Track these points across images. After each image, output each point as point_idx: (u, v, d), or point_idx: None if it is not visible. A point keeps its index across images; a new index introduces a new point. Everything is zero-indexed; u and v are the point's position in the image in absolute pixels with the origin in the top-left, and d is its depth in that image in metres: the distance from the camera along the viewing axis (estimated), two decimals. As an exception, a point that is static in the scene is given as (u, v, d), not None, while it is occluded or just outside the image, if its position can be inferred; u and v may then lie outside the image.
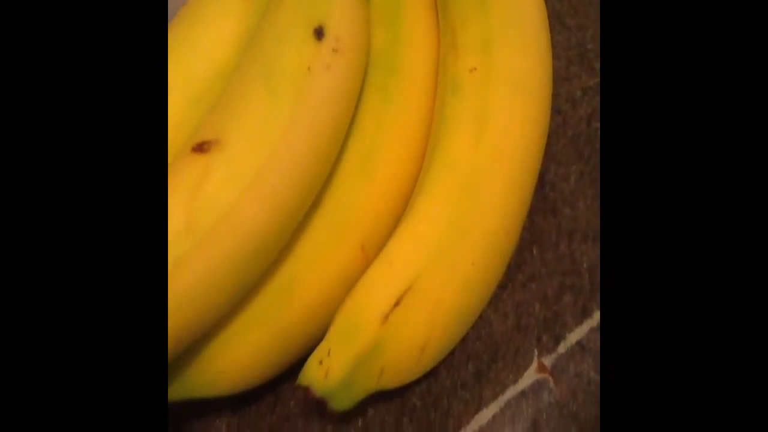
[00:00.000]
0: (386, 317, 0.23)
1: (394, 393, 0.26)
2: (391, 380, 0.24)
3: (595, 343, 0.26)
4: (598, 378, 0.26)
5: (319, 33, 0.24)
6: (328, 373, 0.23)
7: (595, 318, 0.27)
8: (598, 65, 0.33)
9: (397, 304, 0.23)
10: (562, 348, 0.26)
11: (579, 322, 0.27)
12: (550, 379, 0.26)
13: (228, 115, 0.23)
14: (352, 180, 0.26)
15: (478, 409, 0.26)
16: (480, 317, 0.27)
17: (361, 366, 0.23)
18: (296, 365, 0.27)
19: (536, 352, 0.26)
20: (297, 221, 0.24)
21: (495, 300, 0.28)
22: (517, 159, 0.26)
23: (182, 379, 0.24)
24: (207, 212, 0.21)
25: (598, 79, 0.32)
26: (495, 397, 0.26)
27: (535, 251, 0.28)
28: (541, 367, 0.26)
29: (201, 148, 0.23)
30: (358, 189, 0.26)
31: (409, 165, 0.27)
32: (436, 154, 0.26)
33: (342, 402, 0.23)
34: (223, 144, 0.23)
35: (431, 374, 0.27)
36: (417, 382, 0.26)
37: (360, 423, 0.26)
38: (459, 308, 0.25)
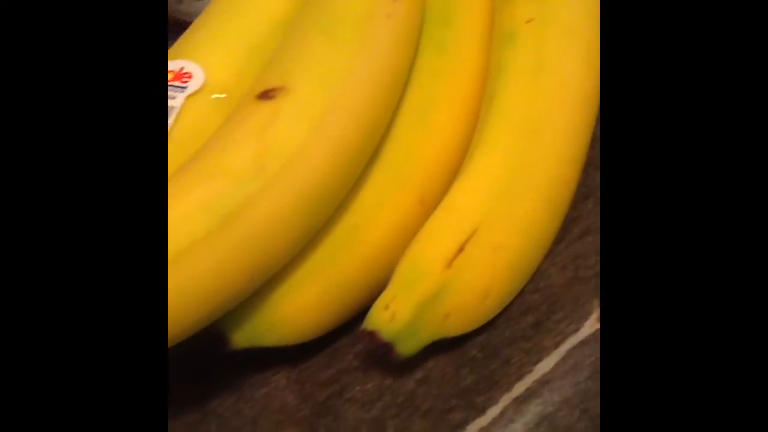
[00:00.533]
0: (450, 262, 0.23)
1: (453, 344, 0.26)
2: (455, 326, 0.24)
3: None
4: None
5: (380, -18, 0.24)
6: (394, 316, 0.23)
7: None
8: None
9: (460, 249, 0.23)
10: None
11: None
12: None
13: (292, 63, 0.23)
14: (410, 132, 0.26)
15: (539, 359, 0.26)
16: (537, 270, 0.27)
17: (426, 310, 0.23)
18: (352, 321, 0.28)
19: (596, 302, 0.26)
20: (360, 166, 0.24)
21: (552, 254, 0.28)
22: (574, 108, 0.26)
23: (247, 327, 0.24)
24: (278, 153, 0.22)
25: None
26: (556, 346, 0.26)
27: (590, 204, 0.28)
28: (602, 317, 0.26)
29: (267, 95, 0.23)
30: (416, 141, 0.26)
31: (465, 116, 0.27)
32: (493, 105, 0.26)
33: (407, 347, 0.23)
34: (289, 90, 0.23)
35: (490, 326, 0.27)
36: (476, 333, 0.26)
37: (420, 374, 0.26)
38: (520, 255, 0.25)
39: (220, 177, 0.21)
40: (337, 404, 0.26)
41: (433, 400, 0.26)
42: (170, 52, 0.27)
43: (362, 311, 0.27)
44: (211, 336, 0.24)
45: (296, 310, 0.24)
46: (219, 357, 0.28)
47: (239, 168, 0.21)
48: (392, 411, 0.26)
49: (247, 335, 0.24)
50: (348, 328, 0.28)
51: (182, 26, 0.37)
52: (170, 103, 0.25)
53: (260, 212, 0.21)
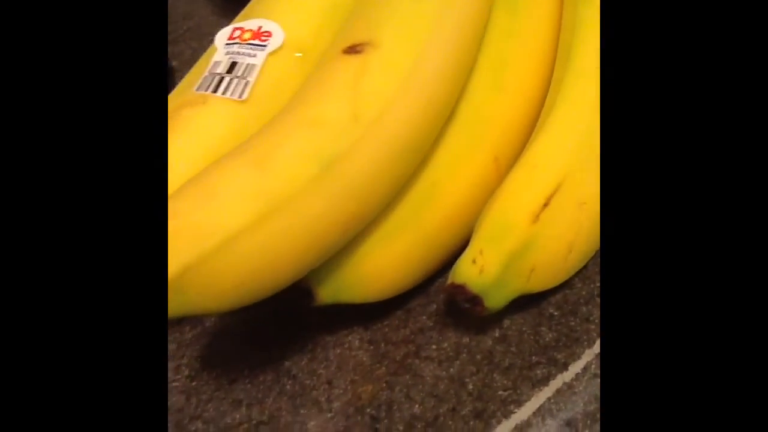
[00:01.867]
0: (536, 216, 0.23)
1: (529, 304, 0.26)
2: (540, 281, 0.24)
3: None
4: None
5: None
6: (483, 269, 0.23)
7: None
8: None
9: (546, 204, 0.24)
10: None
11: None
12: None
13: (377, 18, 0.23)
14: (484, 92, 0.26)
15: (617, 317, 0.26)
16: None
17: (513, 264, 0.23)
18: (423, 282, 0.28)
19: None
20: (443, 120, 0.24)
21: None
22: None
23: (332, 282, 0.24)
24: (371, 104, 0.22)
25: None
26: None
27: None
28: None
29: (354, 49, 0.23)
30: (489, 101, 0.26)
31: (537, 77, 0.27)
32: (571, 61, 0.26)
33: (495, 300, 0.23)
34: (376, 44, 0.23)
35: (566, 285, 0.27)
36: (552, 293, 0.26)
37: (497, 333, 0.26)
38: (602, 211, 0.25)
39: (319, 126, 0.21)
40: (415, 363, 0.26)
41: (513, 357, 0.26)
42: (245, 12, 0.27)
43: (436, 271, 0.27)
44: (298, 291, 0.24)
45: (379, 267, 0.24)
46: (295, 316, 0.28)
47: (336, 118, 0.21)
48: (471, 368, 0.26)
49: (331, 291, 0.24)
50: (420, 290, 0.28)
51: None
52: (251, 60, 0.25)
53: (358, 161, 0.21)
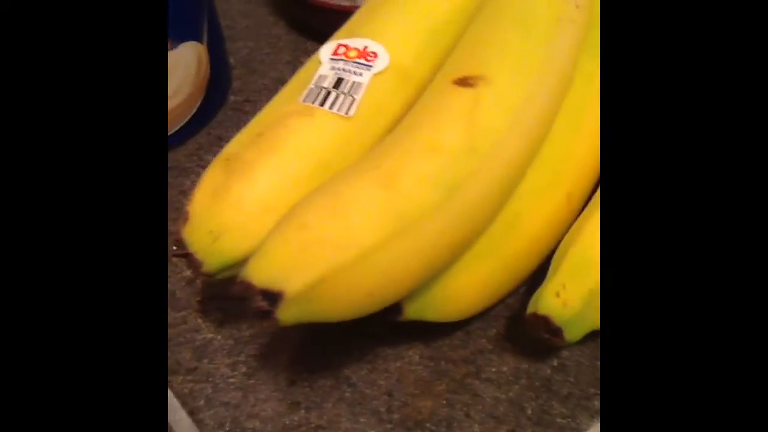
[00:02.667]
0: (615, 258, 0.25)
1: (587, 337, 0.28)
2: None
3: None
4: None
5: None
6: (566, 304, 0.24)
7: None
8: None
9: (624, 247, 0.25)
10: None
11: None
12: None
13: (488, 54, 0.25)
14: (564, 131, 0.28)
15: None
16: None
17: (593, 299, 0.24)
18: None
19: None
20: (536, 155, 0.25)
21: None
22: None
23: (420, 300, 0.25)
24: (486, 137, 0.23)
25: None
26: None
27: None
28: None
29: (466, 82, 0.24)
30: (568, 140, 0.28)
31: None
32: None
33: (574, 333, 0.25)
34: (488, 80, 0.24)
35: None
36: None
37: (555, 362, 0.28)
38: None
39: (439, 153, 0.22)
40: (474, 383, 0.27)
41: (571, 386, 0.27)
42: (347, 28, 0.28)
43: (504, 297, 0.29)
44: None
45: (462, 289, 0.25)
46: (356, 326, 0.29)
47: (455, 147, 0.22)
48: (530, 394, 0.27)
49: (418, 308, 0.25)
50: (479, 313, 0.29)
51: (321, 7, 0.38)
52: (357, 79, 0.26)
53: (474, 189, 0.22)
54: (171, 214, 0.34)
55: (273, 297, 0.20)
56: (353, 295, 0.21)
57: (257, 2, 0.44)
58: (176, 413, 0.26)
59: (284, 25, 0.42)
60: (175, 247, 0.24)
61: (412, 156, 0.22)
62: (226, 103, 0.39)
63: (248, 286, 0.20)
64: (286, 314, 0.20)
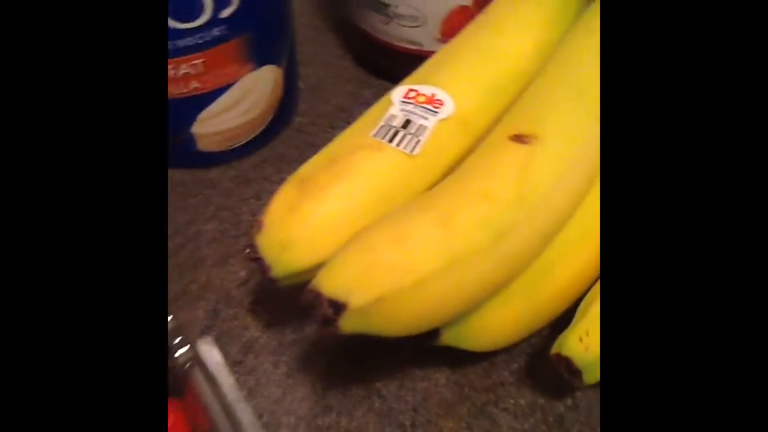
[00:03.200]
0: (637, 314, 0.27)
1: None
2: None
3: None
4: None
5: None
6: (588, 348, 0.27)
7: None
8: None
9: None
10: None
11: None
12: None
13: (542, 114, 0.27)
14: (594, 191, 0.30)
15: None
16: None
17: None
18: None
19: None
20: (576, 209, 0.28)
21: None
22: None
23: (457, 329, 0.28)
24: (535, 191, 0.25)
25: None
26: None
27: None
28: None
29: (520, 139, 0.27)
30: (596, 200, 0.30)
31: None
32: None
33: (591, 376, 0.27)
34: (542, 138, 0.27)
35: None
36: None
37: (569, 401, 0.30)
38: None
39: (491, 200, 0.25)
40: (493, 411, 0.30)
41: (582, 425, 0.29)
42: (418, 75, 0.31)
43: (530, 335, 0.31)
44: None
45: (496, 324, 0.28)
46: (389, 345, 0.31)
47: (506, 197, 0.25)
48: (543, 427, 0.29)
49: (454, 335, 0.28)
50: (505, 348, 0.32)
51: (386, 47, 0.41)
52: (424, 122, 0.29)
53: (520, 236, 0.25)
54: (231, 219, 0.37)
55: (338, 307, 0.23)
56: (406, 316, 0.23)
57: (329, 34, 0.47)
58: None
59: (350, 59, 0.46)
60: (248, 251, 0.27)
61: (467, 200, 0.25)
62: (291, 124, 0.42)
63: (317, 295, 0.23)
64: (347, 324, 0.23)
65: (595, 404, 0.30)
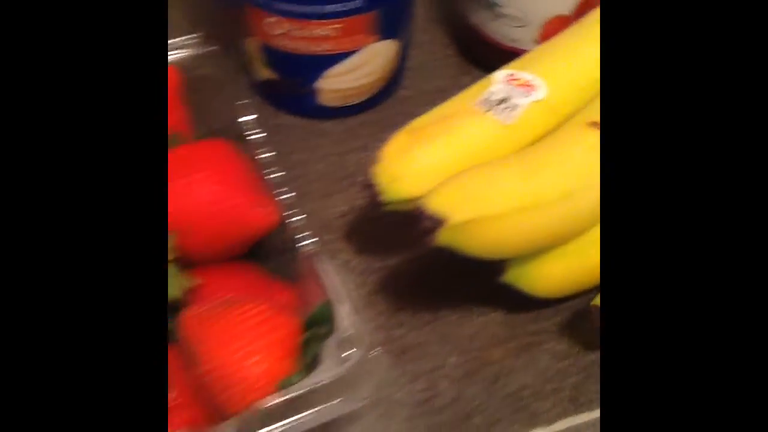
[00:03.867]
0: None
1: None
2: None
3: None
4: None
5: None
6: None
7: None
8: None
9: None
10: None
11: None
12: None
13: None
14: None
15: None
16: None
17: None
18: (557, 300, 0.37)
19: None
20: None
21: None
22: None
23: (519, 270, 0.33)
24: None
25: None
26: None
27: None
28: None
29: (596, 125, 0.33)
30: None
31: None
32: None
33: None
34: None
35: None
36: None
37: (598, 354, 0.36)
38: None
39: (567, 166, 0.31)
40: (535, 350, 0.36)
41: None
42: (519, 63, 0.37)
43: (574, 294, 0.37)
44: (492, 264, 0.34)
45: (551, 274, 0.34)
46: (457, 285, 0.37)
47: (579, 164, 0.31)
48: (573, 369, 0.35)
49: (516, 275, 0.34)
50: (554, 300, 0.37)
51: (489, 42, 0.47)
52: (518, 101, 0.35)
53: (585, 199, 0.31)
54: (337, 162, 0.44)
55: (437, 222, 0.29)
56: (487, 239, 0.29)
57: (439, 24, 0.54)
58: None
59: (455, 48, 0.52)
60: (363, 179, 0.34)
61: (549, 162, 0.31)
62: (396, 95, 0.48)
63: (423, 210, 0.29)
64: (442, 236, 0.29)
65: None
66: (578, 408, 0.34)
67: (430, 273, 0.38)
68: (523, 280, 0.34)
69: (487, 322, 0.37)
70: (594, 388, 0.35)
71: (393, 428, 0.33)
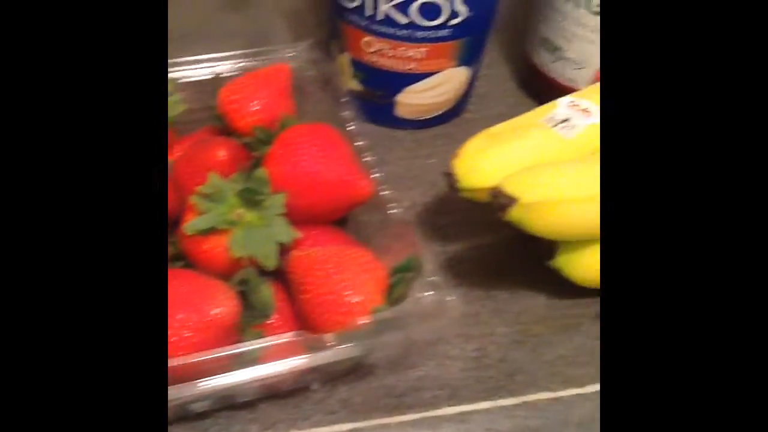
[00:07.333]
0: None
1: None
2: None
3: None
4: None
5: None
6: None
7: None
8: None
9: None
10: None
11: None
12: None
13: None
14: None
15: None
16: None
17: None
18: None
19: None
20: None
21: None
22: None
23: (566, 256, 0.40)
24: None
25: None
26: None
27: None
28: None
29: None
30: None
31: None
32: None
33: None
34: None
35: None
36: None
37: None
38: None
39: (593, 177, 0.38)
40: (572, 331, 0.42)
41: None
42: (581, 93, 0.45)
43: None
44: (547, 248, 0.40)
45: (591, 266, 0.40)
46: (509, 267, 0.44)
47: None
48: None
49: (564, 261, 0.40)
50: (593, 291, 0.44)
51: (549, 80, 0.54)
52: (578, 122, 0.42)
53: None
54: (406, 165, 0.51)
55: (510, 199, 0.36)
56: (550, 220, 0.36)
57: (506, 61, 0.61)
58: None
59: (516, 81, 0.60)
60: (444, 169, 0.41)
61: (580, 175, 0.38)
62: (462, 115, 0.56)
63: (501, 189, 0.36)
64: (514, 213, 0.36)
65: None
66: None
67: (484, 259, 0.45)
68: (570, 266, 0.40)
69: (533, 303, 0.43)
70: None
71: (447, 376, 0.39)
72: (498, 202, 0.36)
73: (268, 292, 0.35)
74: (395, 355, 0.39)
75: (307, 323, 0.35)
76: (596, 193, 0.37)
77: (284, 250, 0.37)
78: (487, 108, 0.57)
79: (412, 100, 0.53)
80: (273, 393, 0.37)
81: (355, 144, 0.42)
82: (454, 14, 0.48)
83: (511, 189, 0.36)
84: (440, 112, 0.54)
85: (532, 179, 0.36)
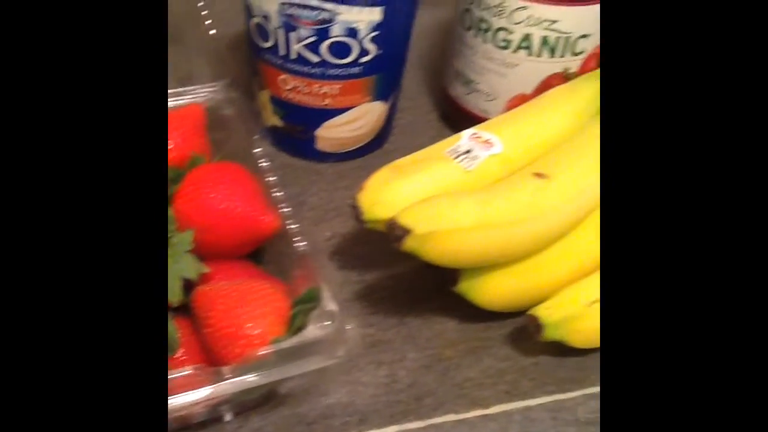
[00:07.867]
0: (590, 305, 0.41)
1: (555, 345, 0.43)
2: (575, 340, 0.42)
3: None
4: None
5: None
6: (550, 315, 0.40)
7: None
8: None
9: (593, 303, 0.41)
10: None
11: None
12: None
13: (557, 165, 0.42)
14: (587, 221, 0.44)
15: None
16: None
17: (567, 320, 0.41)
18: (503, 315, 0.45)
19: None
20: (568, 230, 0.42)
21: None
22: None
23: (469, 281, 0.41)
24: (540, 206, 0.40)
25: None
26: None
27: None
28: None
29: (540, 176, 0.41)
30: (585, 227, 0.44)
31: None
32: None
33: (549, 334, 0.41)
34: (553, 178, 0.41)
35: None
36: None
37: (533, 360, 0.43)
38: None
39: (515, 202, 0.39)
40: (481, 354, 0.43)
41: (535, 375, 0.43)
42: (484, 125, 0.47)
43: (516, 313, 0.45)
44: (448, 276, 0.42)
45: (497, 290, 0.42)
46: (421, 295, 0.45)
47: (524, 202, 0.39)
48: (511, 371, 0.43)
49: (466, 287, 0.42)
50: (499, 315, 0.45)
51: (464, 111, 0.56)
52: (479, 153, 0.44)
53: (526, 229, 0.39)
54: (326, 197, 0.52)
55: (405, 231, 0.37)
56: (445, 249, 0.38)
57: (424, 94, 0.64)
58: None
59: (436, 114, 0.62)
60: (350, 202, 0.42)
61: (500, 197, 0.39)
62: (382, 148, 0.58)
63: (396, 221, 0.38)
64: (408, 244, 0.37)
65: (546, 363, 0.43)
66: (511, 398, 0.41)
67: (399, 287, 0.46)
68: (473, 292, 0.42)
69: (444, 328, 0.45)
70: (526, 384, 0.42)
71: (358, 402, 0.40)
72: (393, 233, 0.38)
73: (172, 328, 0.36)
74: (308, 383, 0.40)
75: (212, 356, 0.36)
76: (489, 221, 0.38)
77: (193, 285, 0.38)
78: (409, 140, 0.59)
79: (331, 134, 0.54)
80: (186, 425, 0.38)
81: (269, 179, 0.43)
82: (363, 52, 0.50)
83: (405, 220, 0.38)
84: (360, 145, 0.56)
85: (425, 210, 0.38)
